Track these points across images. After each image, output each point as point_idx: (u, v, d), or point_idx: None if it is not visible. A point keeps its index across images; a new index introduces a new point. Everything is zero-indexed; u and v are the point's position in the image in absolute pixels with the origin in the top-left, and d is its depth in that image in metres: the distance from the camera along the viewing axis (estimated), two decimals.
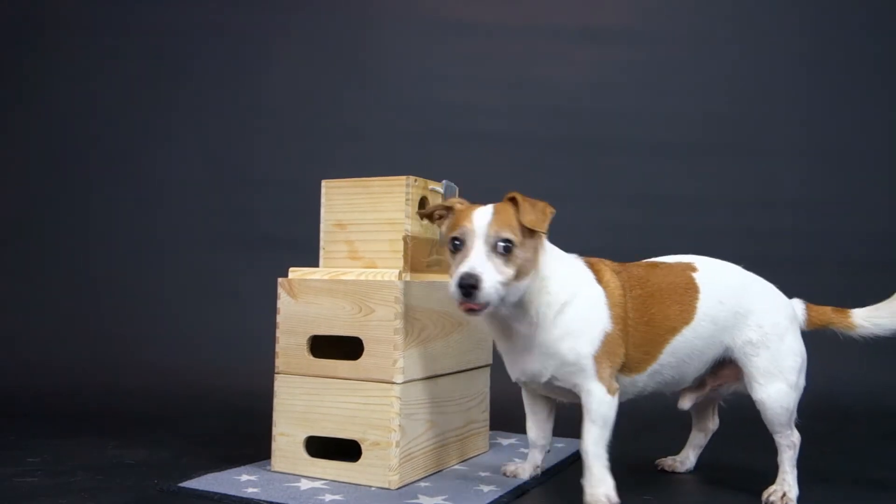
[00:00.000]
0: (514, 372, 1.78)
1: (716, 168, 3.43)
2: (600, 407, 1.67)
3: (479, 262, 1.53)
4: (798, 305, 1.86)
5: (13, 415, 2.61)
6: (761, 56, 3.48)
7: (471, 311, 1.54)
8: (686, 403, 1.88)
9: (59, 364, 3.17)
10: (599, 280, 1.74)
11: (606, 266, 1.79)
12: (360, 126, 3.51)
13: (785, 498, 1.71)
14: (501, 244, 1.55)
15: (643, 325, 1.73)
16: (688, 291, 1.76)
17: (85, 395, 2.90)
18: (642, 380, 1.77)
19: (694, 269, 1.80)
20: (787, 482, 1.74)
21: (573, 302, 1.68)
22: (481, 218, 1.58)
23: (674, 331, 1.74)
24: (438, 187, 2.02)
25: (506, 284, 1.55)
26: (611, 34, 3.51)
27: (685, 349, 1.76)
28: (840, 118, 3.46)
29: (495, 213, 1.59)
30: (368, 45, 3.57)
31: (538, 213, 1.58)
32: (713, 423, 2.04)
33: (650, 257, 1.89)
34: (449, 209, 1.71)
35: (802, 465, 1.77)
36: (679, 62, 3.48)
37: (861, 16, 3.47)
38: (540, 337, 1.68)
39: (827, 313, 1.86)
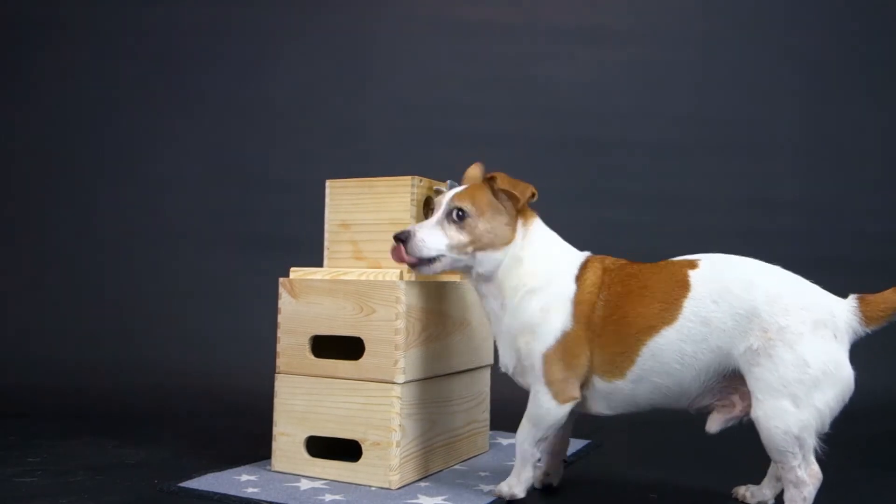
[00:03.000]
0: (501, 361, 1.81)
1: (716, 168, 3.43)
2: (538, 410, 1.69)
3: (423, 224, 1.74)
4: (847, 305, 1.57)
5: (13, 415, 2.61)
6: (761, 56, 3.48)
7: (403, 261, 1.71)
8: (714, 426, 1.63)
9: (60, 364, 3.16)
10: (580, 276, 1.69)
11: (598, 263, 1.72)
12: (360, 126, 3.51)
13: None
14: (455, 212, 1.71)
15: (612, 323, 1.63)
16: (675, 289, 1.61)
17: (85, 395, 2.90)
18: (627, 386, 1.64)
19: (693, 266, 1.63)
20: None
21: (540, 292, 1.70)
22: (452, 192, 1.76)
23: (651, 330, 1.60)
24: (443, 187, 2.02)
25: (455, 248, 1.70)
26: (611, 34, 3.51)
27: (670, 353, 1.59)
28: (840, 118, 3.45)
29: (464, 188, 1.77)
30: (369, 44, 3.57)
31: (517, 184, 1.71)
32: None
33: (650, 258, 1.82)
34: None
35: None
36: (679, 62, 3.48)
37: (861, 16, 3.47)
38: (506, 321, 1.74)
39: (890, 298, 1.55)
